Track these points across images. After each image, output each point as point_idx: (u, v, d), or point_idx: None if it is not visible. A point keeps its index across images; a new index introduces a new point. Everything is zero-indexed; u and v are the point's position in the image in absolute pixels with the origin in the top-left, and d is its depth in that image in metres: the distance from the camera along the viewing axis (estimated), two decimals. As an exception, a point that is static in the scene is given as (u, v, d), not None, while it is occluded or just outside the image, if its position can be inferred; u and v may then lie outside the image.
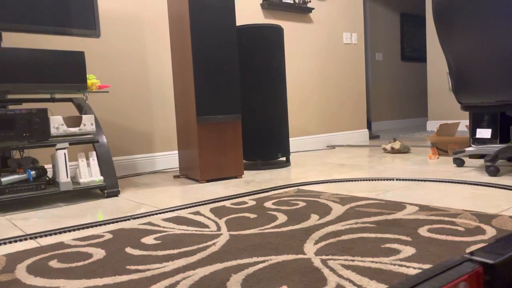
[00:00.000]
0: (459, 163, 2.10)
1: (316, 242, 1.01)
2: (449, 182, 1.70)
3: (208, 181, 2.08)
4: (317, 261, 0.88)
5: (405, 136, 4.07)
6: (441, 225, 1.09)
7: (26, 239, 1.18)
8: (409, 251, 0.92)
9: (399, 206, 1.33)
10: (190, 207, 1.51)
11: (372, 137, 4.03)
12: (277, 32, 2.44)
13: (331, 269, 0.84)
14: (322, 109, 3.55)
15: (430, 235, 1.01)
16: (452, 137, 2.53)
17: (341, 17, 3.68)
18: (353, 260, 0.88)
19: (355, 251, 0.93)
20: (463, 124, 3.96)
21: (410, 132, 4.53)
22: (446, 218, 1.15)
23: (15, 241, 1.17)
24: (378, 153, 2.83)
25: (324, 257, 0.91)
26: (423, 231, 1.05)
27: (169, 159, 2.64)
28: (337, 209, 1.33)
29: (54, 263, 0.96)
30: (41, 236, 1.21)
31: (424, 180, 1.76)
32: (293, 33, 3.32)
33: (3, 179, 1.58)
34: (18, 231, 1.29)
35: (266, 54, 2.40)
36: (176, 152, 2.67)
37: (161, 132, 2.62)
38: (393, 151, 2.75)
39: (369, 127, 4.38)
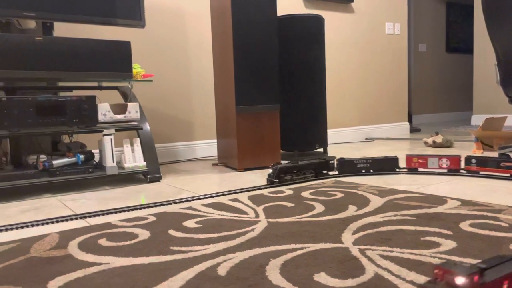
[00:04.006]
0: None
1: (354, 233, 1.02)
2: (493, 177, 1.64)
3: (245, 169, 2.11)
4: (355, 251, 0.89)
5: (448, 130, 3.94)
6: (484, 220, 1.07)
7: (76, 219, 1.26)
8: (449, 244, 0.91)
9: (440, 200, 1.31)
10: (228, 194, 1.54)
11: (412, 130, 3.93)
12: (318, 22, 2.43)
13: (369, 259, 0.84)
14: (361, 100, 3.50)
15: (472, 230, 1.00)
16: (498, 132, 2.43)
17: (383, 7, 3.59)
18: (391, 251, 0.88)
19: (394, 243, 0.93)
20: (511, 119, 3.79)
21: (453, 126, 4.38)
22: (489, 214, 1.13)
23: (67, 220, 1.25)
24: (419, 146, 2.77)
25: (362, 247, 0.92)
26: (464, 226, 1.03)
27: (208, 147, 2.70)
28: (376, 201, 1.32)
29: (103, 241, 1.02)
30: (90, 216, 1.28)
31: (467, 175, 1.71)
32: (334, 23, 3.28)
33: (54, 162, 1.68)
34: (68, 211, 1.37)
35: (306, 45, 2.39)
36: (215, 140, 2.72)
37: (201, 121, 2.68)
38: (435, 145, 2.68)
39: (409, 120, 4.28)
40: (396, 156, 1.82)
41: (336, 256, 0.87)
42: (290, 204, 1.33)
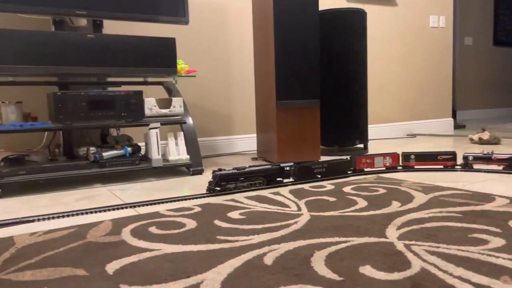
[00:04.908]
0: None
1: (399, 228, 1.02)
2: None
3: (286, 164, 2.13)
4: (400, 245, 0.89)
5: (495, 126, 3.79)
6: (536, 219, 1.04)
7: (126, 208, 1.32)
8: (498, 242, 0.89)
9: (488, 197, 1.28)
10: (270, 188, 1.57)
11: (457, 126, 3.81)
12: (360, 16, 2.40)
13: (415, 254, 0.84)
14: (403, 95, 3.42)
15: (522, 229, 0.97)
16: (550, 129, 2.32)
17: (428, -1, 3.49)
18: (438, 247, 0.87)
19: (440, 239, 0.92)
20: None
21: (500, 123, 4.20)
22: (542, 213, 1.09)
23: (118, 209, 1.31)
24: (463, 143, 2.69)
25: (407, 242, 0.92)
26: (514, 224, 1.01)
27: (248, 141, 2.74)
28: (420, 198, 1.31)
29: (153, 229, 1.07)
30: (139, 206, 1.34)
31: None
32: (376, 16, 3.22)
33: (104, 154, 1.76)
34: (118, 200, 1.44)
35: (348, 39, 2.37)
36: (254, 135, 2.76)
37: (241, 116, 2.72)
38: (481, 141, 2.59)
39: (454, 116, 4.14)
40: (347, 158, 1.76)
41: (381, 250, 0.87)
42: (332, 199, 1.34)
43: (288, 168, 1.60)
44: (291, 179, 1.64)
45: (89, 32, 1.96)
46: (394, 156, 1.77)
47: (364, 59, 2.45)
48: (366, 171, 1.77)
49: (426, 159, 1.75)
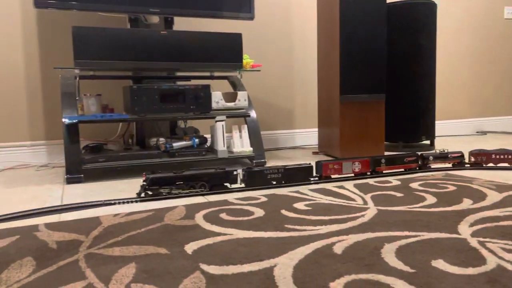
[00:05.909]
0: None
1: (471, 225, 0.99)
2: None
3: (348, 159, 2.12)
4: (473, 242, 0.88)
5: None
6: None
7: (197, 195, 1.40)
8: None
9: None
10: (334, 181, 1.58)
11: (532, 124, 3.56)
12: (430, 8, 2.32)
13: (490, 251, 0.82)
14: (473, 91, 3.26)
15: None
16: None
17: (503, -11, 3.28)
18: (515, 246, 0.85)
19: (517, 238, 0.89)
20: None
21: None
22: None
23: (189, 196, 1.39)
24: (541, 142, 2.52)
25: (481, 239, 0.89)
26: None
27: (308, 136, 2.75)
28: (493, 196, 1.26)
29: (224, 216, 1.13)
30: (208, 194, 1.41)
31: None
32: (445, 7, 3.09)
33: (174, 145, 1.86)
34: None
35: (416, 32, 2.30)
36: (315, 129, 2.76)
37: (301, 110, 2.73)
38: (561, 140, 2.41)
39: (529, 113, 3.87)
40: (310, 163, 1.58)
41: (454, 246, 0.86)
42: (399, 194, 1.33)
43: (235, 173, 1.46)
44: (241, 185, 1.50)
45: (161, 28, 2.07)
46: (363, 161, 1.65)
47: (433, 53, 2.37)
48: (333, 178, 1.62)
49: (396, 162, 1.71)
